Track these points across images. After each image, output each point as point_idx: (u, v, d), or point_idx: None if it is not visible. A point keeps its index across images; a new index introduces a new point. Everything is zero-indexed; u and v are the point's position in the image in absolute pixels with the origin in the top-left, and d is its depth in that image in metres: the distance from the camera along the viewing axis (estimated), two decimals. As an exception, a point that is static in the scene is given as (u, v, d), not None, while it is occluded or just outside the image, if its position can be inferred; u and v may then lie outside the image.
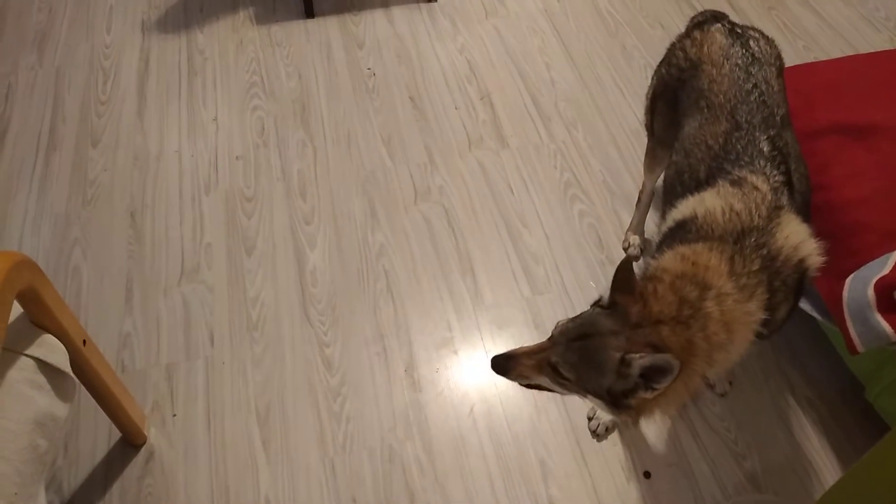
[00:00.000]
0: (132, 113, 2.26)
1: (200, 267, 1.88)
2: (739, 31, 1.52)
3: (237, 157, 2.14)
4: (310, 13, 2.58)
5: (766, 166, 1.31)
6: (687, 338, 1.11)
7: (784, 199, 1.28)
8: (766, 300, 1.17)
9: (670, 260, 1.22)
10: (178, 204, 2.02)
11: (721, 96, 1.43)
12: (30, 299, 1.20)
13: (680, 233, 1.29)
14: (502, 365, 1.22)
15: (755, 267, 1.18)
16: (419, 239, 1.96)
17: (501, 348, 1.75)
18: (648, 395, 1.10)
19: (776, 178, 1.30)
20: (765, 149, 1.34)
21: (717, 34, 1.51)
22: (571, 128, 2.24)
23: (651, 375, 1.08)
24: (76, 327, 1.34)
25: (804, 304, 1.54)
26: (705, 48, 1.52)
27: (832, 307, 1.44)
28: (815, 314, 1.55)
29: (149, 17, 2.59)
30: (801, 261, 1.23)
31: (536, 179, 2.10)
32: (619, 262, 1.16)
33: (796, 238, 1.23)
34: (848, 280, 1.40)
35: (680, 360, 1.06)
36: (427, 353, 1.74)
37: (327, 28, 2.56)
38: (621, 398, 1.12)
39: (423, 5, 2.66)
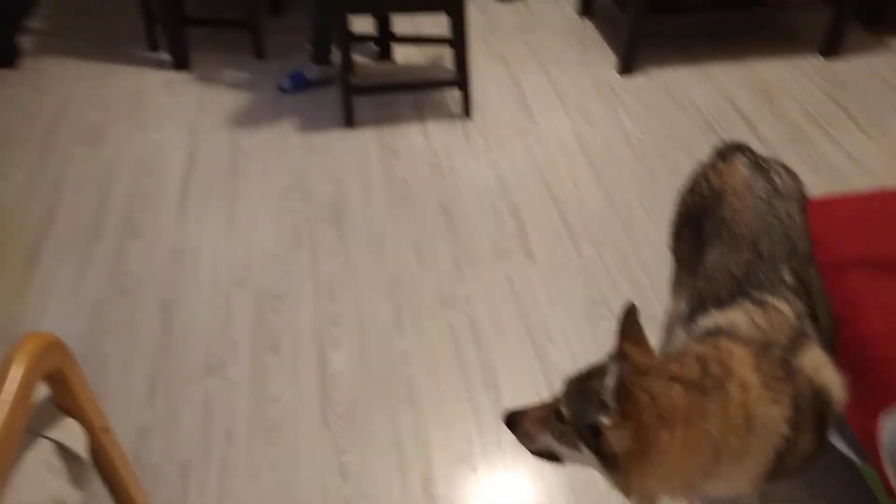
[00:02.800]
0: (174, 208, 2.34)
1: (225, 362, 1.89)
2: (763, 163, 1.57)
3: (270, 256, 2.20)
4: (350, 124, 2.71)
5: (788, 294, 1.32)
6: (699, 403, 1.03)
7: (808, 328, 1.27)
8: (790, 415, 1.10)
9: (693, 343, 1.20)
10: (210, 298, 2.06)
11: (743, 227, 1.46)
12: (57, 381, 1.21)
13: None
14: (513, 420, 1.20)
15: (780, 374, 1.13)
16: (443, 348, 1.96)
17: (523, 468, 1.71)
18: (606, 420, 1.02)
19: (799, 307, 1.31)
20: (787, 279, 1.35)
21: (741, 166, 1.56)
22: (599, 246, 2.28)
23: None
24: (98, 414, 1.34)
25: (838, 443, 1.50)
26: (728, 179, 1.57)
27: (868, 447, 1.41)
28: (850, 454, 1.50)
29: (197, 120, 2.73)
30: (823, 389, 1.20)
31: (563, 295, 2.12)
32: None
33: (817, 363, 1.20)
34: (882, 418, 1.37)
35: (684, 421, 1.00)
36: (446, 467, 1.71)
37: (365, 138, 2.68)
38: (603, 441, 1.04)
39: (459, 122, 2.78)
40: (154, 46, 3.08)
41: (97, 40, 3.15)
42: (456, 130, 2.74)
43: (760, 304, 1.30)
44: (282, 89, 2.90)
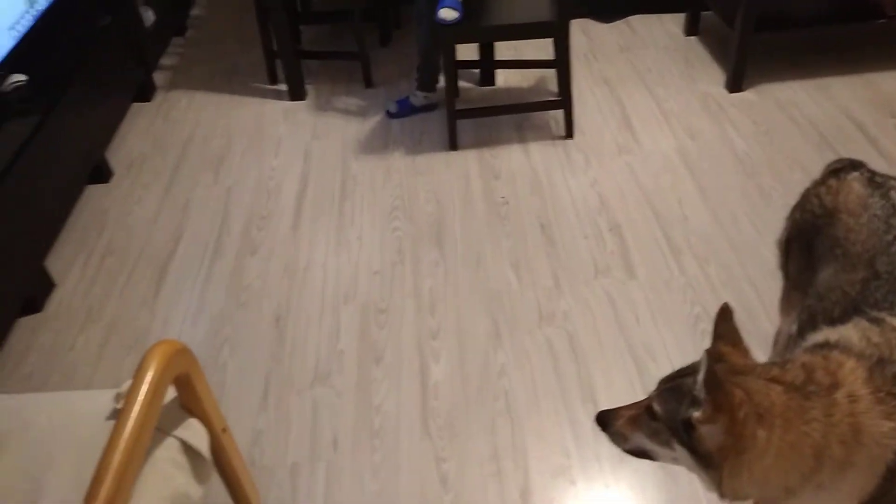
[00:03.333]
0: (288, 228, 2.49)
1: (332, 372, 1.98)
2: (879, 180, 1.49)
3: (375, 273, 2.29)
4: (454, 146, 2.80)
5: None
6: (801, 405, 0.99)
7: None
8: None
9: (800, 353, 1.15)
10: (319, 312, 2.17)
11: (858, 246, 1.39)
12: (183, 384, 1.32)
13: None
14: (604, 419, 1.19)
15: (895, 390, 1.05)
16: (541, 362, 1.97)
17: (623, 483, 1.69)
18: (698, 414, 0.99)
19: None
20: None
21: (855, 183, 1.49)
22: (703, 263, 2.23)
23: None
24: (219, 415, 1.45)
25: None
26: (841, 197, 1.50)
27: None
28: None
29: (311, 145, 2.90)
30: None
31: (665, 312, 2.08)
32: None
33: None
34: None
35: (782, 421, 0.97)
36: (543, 479, 1.71)
37: (467, 160, 2.75)
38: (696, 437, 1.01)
39: (559, 141, 2.80)
40: (273, 79, 3.31)
41: (222, 74, 3.42)
42: (557, 150, 2.76)
43: (876, 321, 1.24)
44: (389, 115, 3.03)
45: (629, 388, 1.88)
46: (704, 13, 3.38)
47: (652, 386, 1.87)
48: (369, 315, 2.14)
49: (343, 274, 2.29)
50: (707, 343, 1.88)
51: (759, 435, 0.99)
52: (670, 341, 2.00)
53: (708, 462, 1.02)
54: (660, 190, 2.53)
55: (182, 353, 1.20)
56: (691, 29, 3.44)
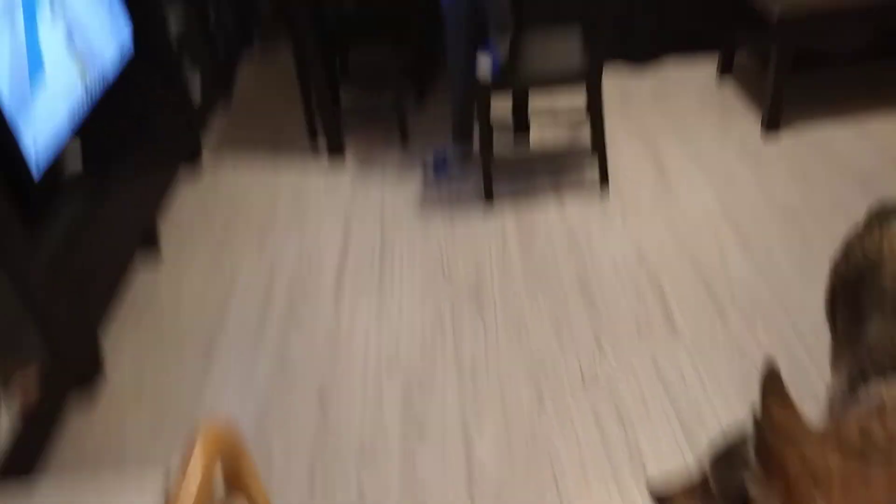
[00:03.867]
0: (329, 298, 2.53)
1: (376, 447, 1.99)
2: (925, 225, 1.46)
3: (416, 342, 2.30)
4: (489, 200, 2.82)
5: None
6: (860, 469, 0.95)
7: None
8: None
9: (854, 412, 1.09)
10: (362, 384, 2.19)
11: None
12: (230, 464, 1.35)
13: None
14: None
15: None
16: (587, 430, 1.95)
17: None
18: (752, 486, 0.95)
19: None
20: None
21: (900, 229, 1.46)
22: (749, 317, 2.18)
23: None
24: (263, 494, 1.47)
25: None
26: (886, 245, 1.46)
27: None
28: None
29: (351, 208, 2.96)
30: None
31: (712, 373, 2.04)
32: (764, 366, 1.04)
33: None
34: None
35: (842, 490, 0.92)
36: (593, 556, 1.68)
37: (504, 217, 2.77)
38: None
39: (595, 194, 2.80)
40: (314, 136, 3.40)
41: (265, 140, 3.52)
42: (593, 203, 2.76)
43: None
44: (426, 170, 3.08)
45: (679, 455, 1.84)
46: (738, 53, 3.36)
47: (700, 450, 1.83)
48: (412, 386, 2.15)
49: (384, 344, 2.32)
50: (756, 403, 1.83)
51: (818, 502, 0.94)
52: (719, 402, 1.95)
53: None
54: (700, 242, 2.50)
55: (229, 433, 1.23)
56: (725, 69, 3.42)
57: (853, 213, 2.45)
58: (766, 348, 2.08)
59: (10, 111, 2.05)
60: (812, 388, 1.93)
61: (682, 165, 2.89)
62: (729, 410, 1.93)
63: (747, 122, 3.07)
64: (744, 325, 2.17)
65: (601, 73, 2.60)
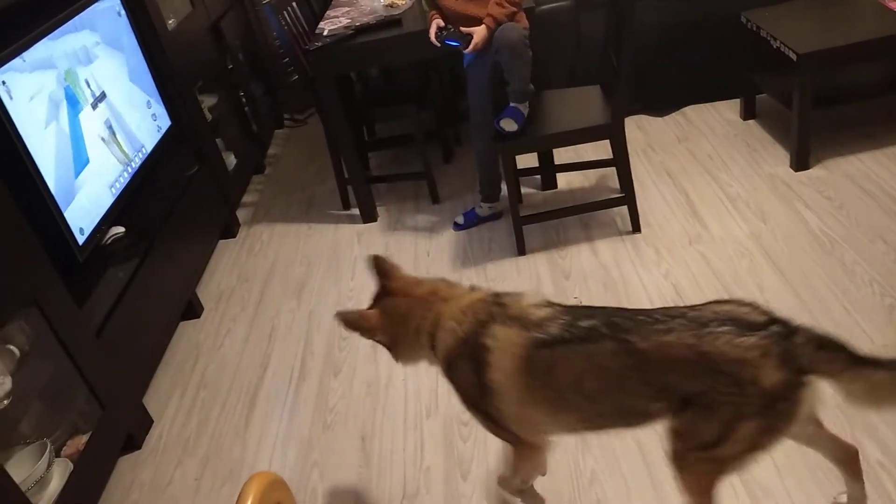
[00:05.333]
0: (367, 346, 2.55)
1: (420, 491, 1.97)
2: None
3: (455, 385, 2.30)
4: (522, 251, 2.85)
5: None
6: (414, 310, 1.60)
7: None
8: (453, 343, 1.56)
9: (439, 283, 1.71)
10: (403, 428, 2.18)
11: None
12: None
13: None
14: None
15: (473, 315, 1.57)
16: (633, 467, 1.90)
17: None
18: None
19: None
20: None
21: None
22: (792, 348, 2.14)
23: None
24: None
25: None
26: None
27: None
28: None
29: (385, 264, 3.00)
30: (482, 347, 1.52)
31: (758, 403, 1.99)
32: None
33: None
34: None
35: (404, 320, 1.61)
36: None
37: (536, 263, 2.79)
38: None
39: (626, 236, 2.81)
40: (346, 204, 3.49)
41: (299, 205, 3.63)
42: (625, 245, 2.76)
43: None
44: (457, 228, 3.13)
45: (729, 489, 1.78)
46: (760, 96, 3.40)
47: (754, 485, 1.77)
48: (452, 428, 2.14)
49: (423, 387, 2.31)
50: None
51: (398, 332, 1.61)
52: (769, 435, 1.89)
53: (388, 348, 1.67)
54: (737, 276, 2.48)
55: (276, 485, 1.23)
56: (748, 113, 3.46)
57: (891, 240, 2.44)
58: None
59: (57, 198, 2.18)
60: (865, 420, 1.87)
61: (713, 203, 2.90)
62: (779, 449, 1.86)
63: (776, 159, 3.08)
64: (788, 356, 2.12)
65: (623, 127, 2.65)
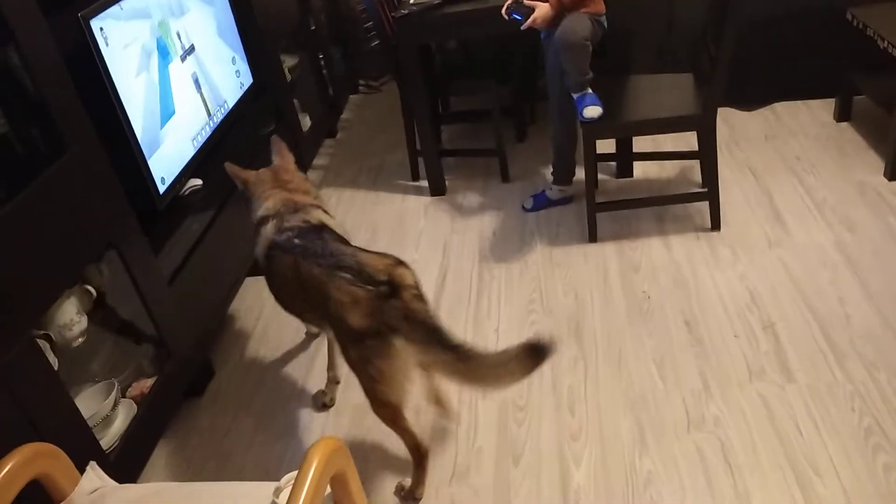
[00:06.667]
0: (427, 320, 2.55)
1: (470, 469, 1.96)
2: None
3: (513, 368, 2.28)
4: (593, 238, 2.78)
5: None
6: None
7: None
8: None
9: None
10: (457, 406, 2.17)
11: None
12: (339, 483, 1.35)
13: None
14: None
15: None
16: (691, 471, 1.85)
17: None
18: None
19: None
20: None
21: None
22: (872, 368, 2.04)
23: None
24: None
25: None
26: None
27: None
28: None
29: (450, 240, 2.99)
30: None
31: (830, 422, 1.91)
32: None
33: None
34: None
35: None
36: None
37: (605, 252, 2.72)
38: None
39: (702, 234, 2.72)
40: (415, 175, 3.48)
41: (368, 172, 3.64)
42: (700, 243, 2.67)
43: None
44: (525, 209, 3.08)
45: (792, 505, 1.72)
46: (857, 97, 3.22)
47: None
48: (507, 412, 2.12)
49: (481, 368, 2.30)
50: (881, 462, 1.71)
51: (254, 192, 2.07)
52: (838, 456, 1.82)
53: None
54: (817, 287, 2.37)
55: (340, 452, 1.23)
56: (843, 115, 3.28)
57: None
58: (890, 402, 1.93)
59: (143, 146, 2.23)
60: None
61: (796, 207, 2.77)
62: (848, 464, 1.79)
63: (869, 166, 2.92)
64: (865, 375, 2.02)
65: (715, 120, 2.54)
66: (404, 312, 1.62)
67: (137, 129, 2.21)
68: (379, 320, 1.63)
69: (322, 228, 1.88)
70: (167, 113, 2.43)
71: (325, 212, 2.02)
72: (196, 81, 2.65)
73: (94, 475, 1.45)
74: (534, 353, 1.64)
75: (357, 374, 1.76)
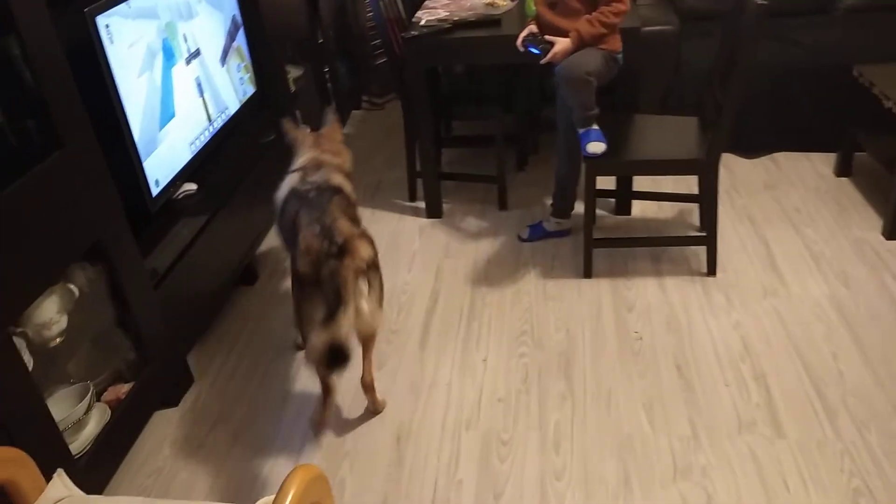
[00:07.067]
0: (416, 344, 2.51)
1: (449, 502, 1.91)
2: None
3: (499, 399, 2.23)
4: (588, 274, 2.75)
5: None
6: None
7: None
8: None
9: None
10: (440, 435, 2.12)
11: None
12: None
13: None
14: None
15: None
16: (743, 465, 1.81)
17: None
18: None
19: None
20: None
21: None
22: (863, 428, 2.01)
23: None
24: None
25: None
26: None
27: None
28: None
29: (443, 264, 2.95)
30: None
31: (819, 481, 1.87)
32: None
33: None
34: None
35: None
36: None
37: (599, 289, 2.70)
38: None
39: (698, 278, 2.70)
40: (413, 196, 3.45)
41: (366, 189, 3.60)
42: (695, 287, 2.65)
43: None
44: (521, 239, 3.05)
45: None
46: (859, 154, 3.24)
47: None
48: (491, 445, 2.07)
49: (466, 397, 2.25)
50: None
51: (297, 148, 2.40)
52: (825, 515, 1.78)
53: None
54: (811, 340, 2.35)
55: (319, 480, 1.19)
56: (843, 170, 3.29)
57: None
58: (880, 463, 1.90)
59: (139, 147, 2.19)
60: None
61: (793, 258, 2.76)
62: (837, 524, 1.75)
63: (867, 223, 2.92)
64: (856, 435, 1.99)
65: (718, 166, 2.53)
66: (332, 271, 1.84)
67: (136, 129, 2.18)
68: (318, 272, 1.86)
69: (335, 190, 2.11)
70: (167, 115, 2.39)
71: (347, 178, 2.30)
72: (199, 85, 2.62)
73: (61, 483, 1.39)
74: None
75: (294, 312, 2.06)
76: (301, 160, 2.30)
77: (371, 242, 1.97)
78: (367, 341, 2.10)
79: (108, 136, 2.02)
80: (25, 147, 1.87)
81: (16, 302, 1.64)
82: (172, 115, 2.42)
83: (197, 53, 2.62)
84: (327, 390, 2.09)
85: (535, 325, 2.55)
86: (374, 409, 2.22)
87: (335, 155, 2.34)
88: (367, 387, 2.18)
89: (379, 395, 2.22)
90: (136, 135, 2.18)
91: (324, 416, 2.14)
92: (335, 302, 1.81)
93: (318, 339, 1.80)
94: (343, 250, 1.85)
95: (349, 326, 1.82)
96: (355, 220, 2.08)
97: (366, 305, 1.90)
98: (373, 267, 1.95)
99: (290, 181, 2.22)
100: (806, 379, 2.20)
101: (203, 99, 2.65)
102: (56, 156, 1.78)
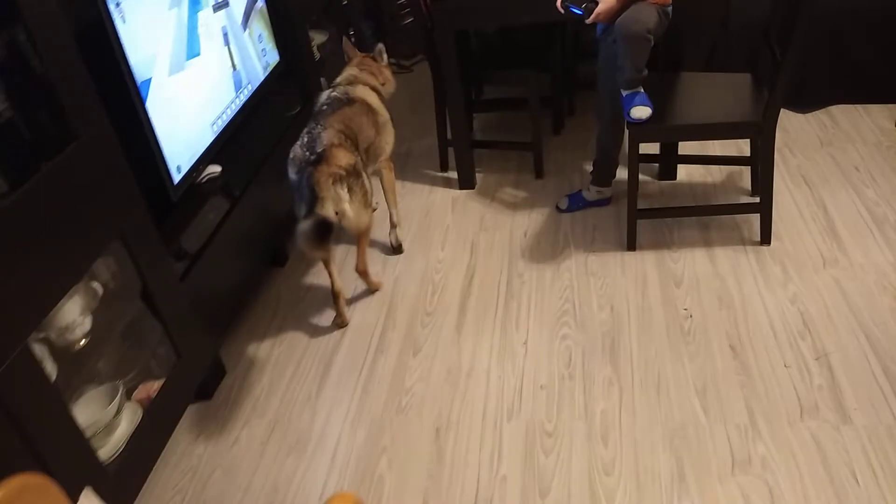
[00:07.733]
0: (451, 327, 2.41)
1: (493, 501, 1.82)
2: None
3: (541, 387, 2.13)
4: (632, 246, 2.61)
5: None
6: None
7: None
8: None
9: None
10: (481, 427, 2.03)
11: None
12: None
13: None
14: None
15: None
16: (807, 456, 1.70)
17: None
18: None
19: None
20: None
21: None
22: (939, 412, 1.86)
23: None
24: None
25: None
26: None
27: None
28: None
29: (478, 238, 2.83)
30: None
31: (891, 471, 1.74)
32: None
33: None
34: None
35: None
36: None
37: (644, 262, 2.55)
38: None
39: (750, 248, 2.53)
40: (444, 166, 3.31)
41: (395, 160, 3.46)
42: (748, 257, 2.49)
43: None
44: (559, 209, 2.91)
45: None
46: (924, 105, 2.99)
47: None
48: (535, 437, 1.98)
49: (507, 384, 2.15)
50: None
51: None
52: (899, 510, 1.65)
53: None
54: (877, 313, 2.18)
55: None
56: (906, 120, 3.06)
57: None
58: (959, 451, 1.76)
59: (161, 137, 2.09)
60: None
61: (854, 222, 2.57)
62: (912, 521, 1.62)
63: (935, 181, 2.71)
64: (931, 419, 1.85)
65: (775, 129, 2.33)
66: (308, 175, 2.15)
67: (163, 66, 2.08)
68: (301, 177, 2.19)
69: (348, 102, 2.43)
70: (193, 53, 2.27)
71: (380, 96, 2.62)
72: (225, 35, 2.50)
73: None
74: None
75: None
76: (343, 75, 2.62)
77: (342, 146, 2.23)
78: (359, 237, 2.43)
79: (125, 120, 1.91)
80: (38, 141, 1.78)
81: (36, 309, 1.57)
82: (198, 54, 2.31)
83: (226, 3, 2.49)
84: (335, 295, 2.44)
85: (576, 304, 2.42)
86: (372, 290, 2.60)
87: (373, 74, 2.63)
88: (362, 273, 2.52)
89: (374, 278, 2.61)
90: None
91: (342, 317, 2.46)
92: (311, 201, 2.14)
93: (302, 226, 2.12)
94: (320, 158, 2.16)
95: (328, 213, 2.16)
96: (376, 129, 2.49)
97: (349, 208, 2.20)
98: (353, 174, 2.22)
99: (322, 97, 2.50)
100: (872, 357, 2.05)
101: (229, 49, 2.53)
102: (71, 149, 1.68)
